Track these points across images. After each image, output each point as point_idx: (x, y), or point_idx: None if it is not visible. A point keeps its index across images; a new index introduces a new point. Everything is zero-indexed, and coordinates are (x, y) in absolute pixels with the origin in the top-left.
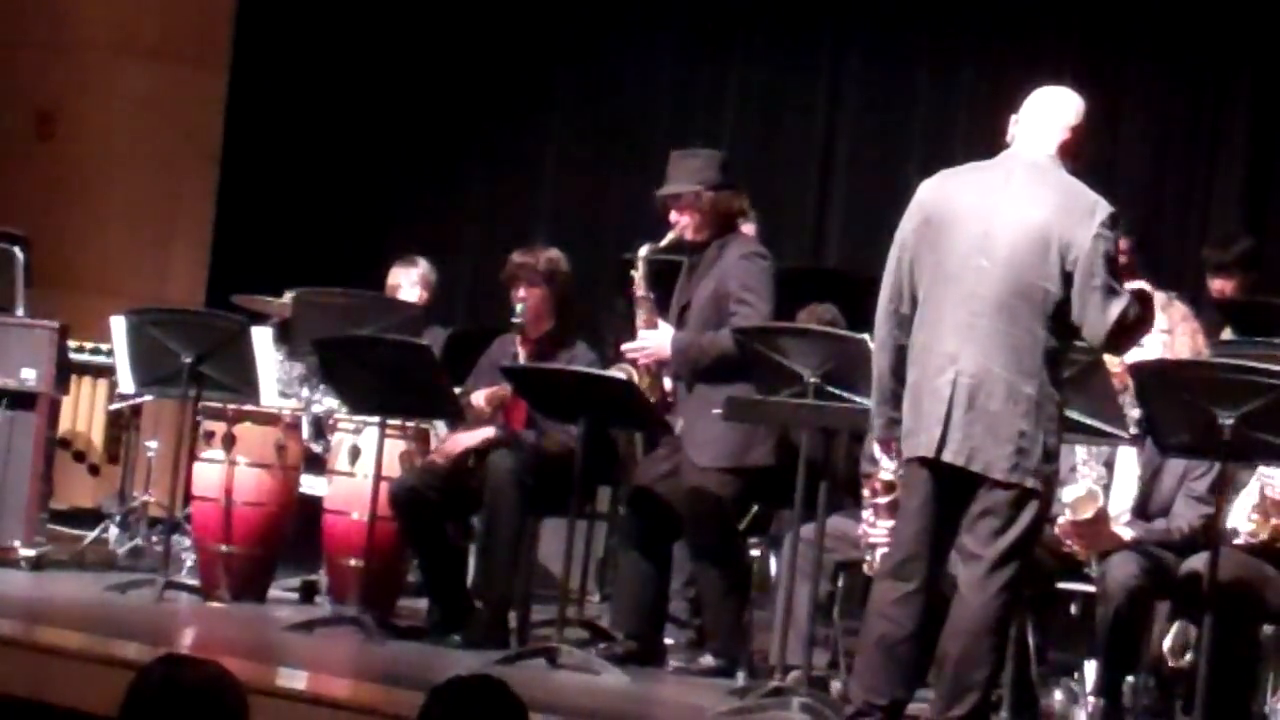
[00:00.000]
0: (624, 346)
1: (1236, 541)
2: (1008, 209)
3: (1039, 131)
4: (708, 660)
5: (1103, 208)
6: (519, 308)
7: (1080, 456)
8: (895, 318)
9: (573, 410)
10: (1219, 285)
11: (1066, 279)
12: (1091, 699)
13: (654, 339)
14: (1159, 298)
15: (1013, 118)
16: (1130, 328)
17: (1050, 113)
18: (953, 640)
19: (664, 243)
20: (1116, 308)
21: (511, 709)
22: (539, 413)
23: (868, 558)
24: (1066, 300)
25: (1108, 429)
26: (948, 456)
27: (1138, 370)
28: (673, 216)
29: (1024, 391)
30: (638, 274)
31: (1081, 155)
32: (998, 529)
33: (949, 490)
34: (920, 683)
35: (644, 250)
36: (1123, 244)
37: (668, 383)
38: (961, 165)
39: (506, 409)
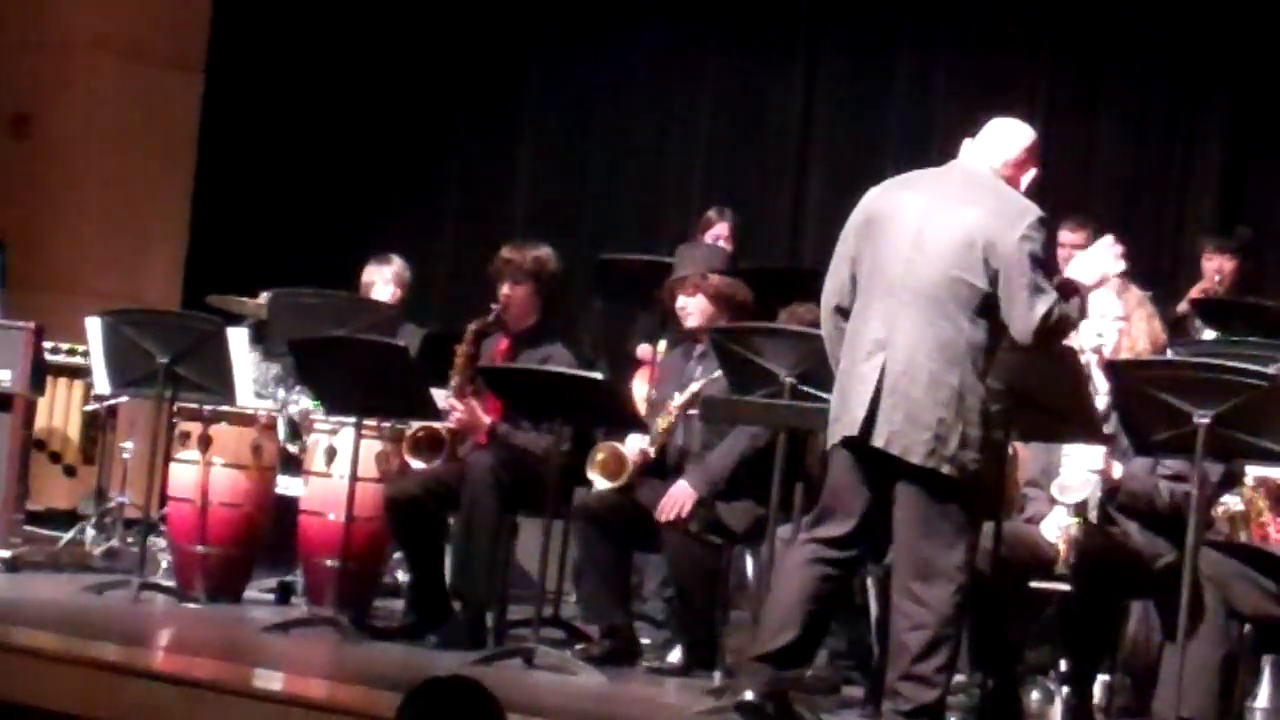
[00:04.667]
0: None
1: (1216, 525)
2: (940, 207)
3: (986, 152)
4: (677, 657)
5: (1032, 211)
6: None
7: (1066, 447)
8: (836, 314)
9: (548, 410)
10: (1217, 264)
11: (992, 277)
12: (1065, 688)
13: (678, 492)
14: (1113, 283)
15: (966, 140)
16: (1056, 326)
17: (1000, 140)
18: (912, 634)
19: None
20: (1042, 306)
21: (488, 709)
22: (515, 412)
23: None
24: (992, 296)
25: (1084, 428)
26: (874, 440)
27: (1112, 369)
28: (680, 302)
29: (947, 381)
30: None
31: (1022, 187)
32: (929, 522)
33: (873, 473)
34: (814, 647)
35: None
36: (1080, 237)
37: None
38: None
39: (485, 398)
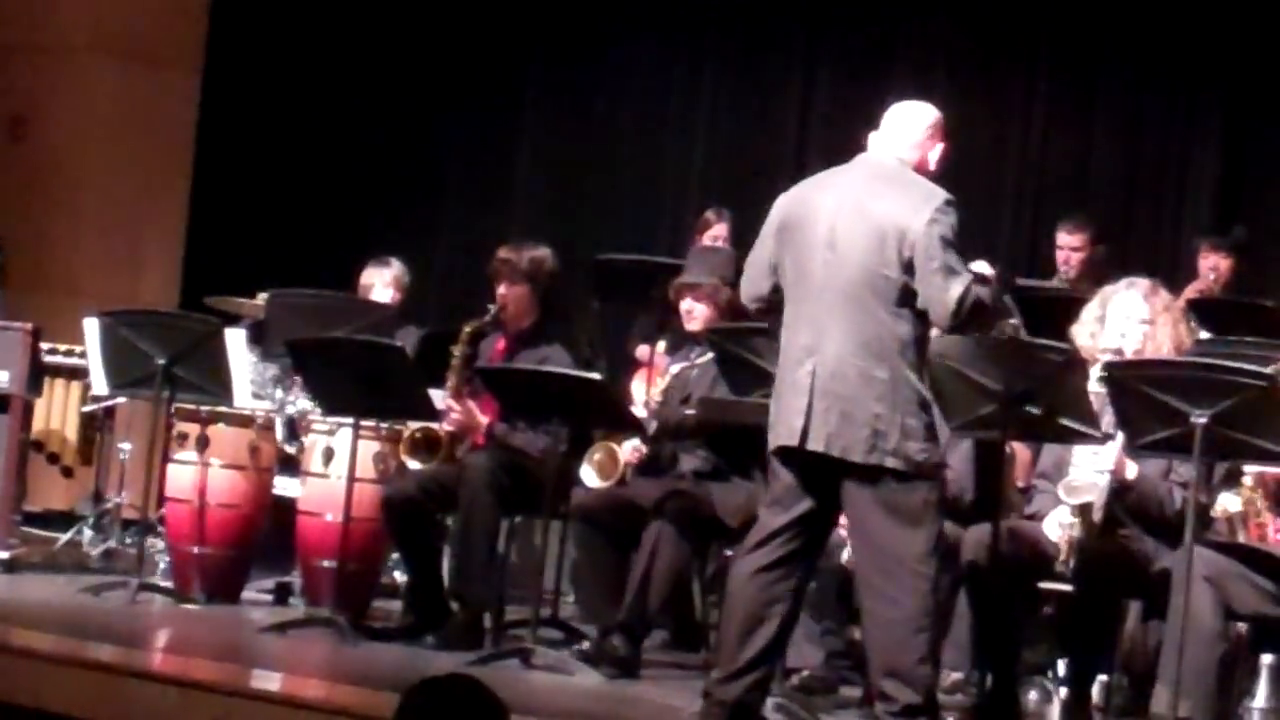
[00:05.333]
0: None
1: (1215, 525)
2: (849, 204)
3: (889, 140)
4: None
5: (938, 195)
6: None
7: (1076, 447)
8: (756, 308)
9: (546, 410)
10: (1213, 262)
11: (907, 266)
12: (1063, 687)
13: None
14: (1143, 284)
15: (871, 134)
16: (975, 308)
17: (901, 125)
18: (884, 632)
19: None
20: (957, 288)
21: (489, 708)
22: (512, 413)
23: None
24: (909, 285)
25: (1080, 428)
26: (811, 445)
27: (1110, 370)
28: (685, 305)
29: (877, 376)
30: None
31: (932, 165)
32: (884, 519)
33: (815, 478)
34: (777, 655)
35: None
36: (1078, 239)
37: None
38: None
39: (482, 399)
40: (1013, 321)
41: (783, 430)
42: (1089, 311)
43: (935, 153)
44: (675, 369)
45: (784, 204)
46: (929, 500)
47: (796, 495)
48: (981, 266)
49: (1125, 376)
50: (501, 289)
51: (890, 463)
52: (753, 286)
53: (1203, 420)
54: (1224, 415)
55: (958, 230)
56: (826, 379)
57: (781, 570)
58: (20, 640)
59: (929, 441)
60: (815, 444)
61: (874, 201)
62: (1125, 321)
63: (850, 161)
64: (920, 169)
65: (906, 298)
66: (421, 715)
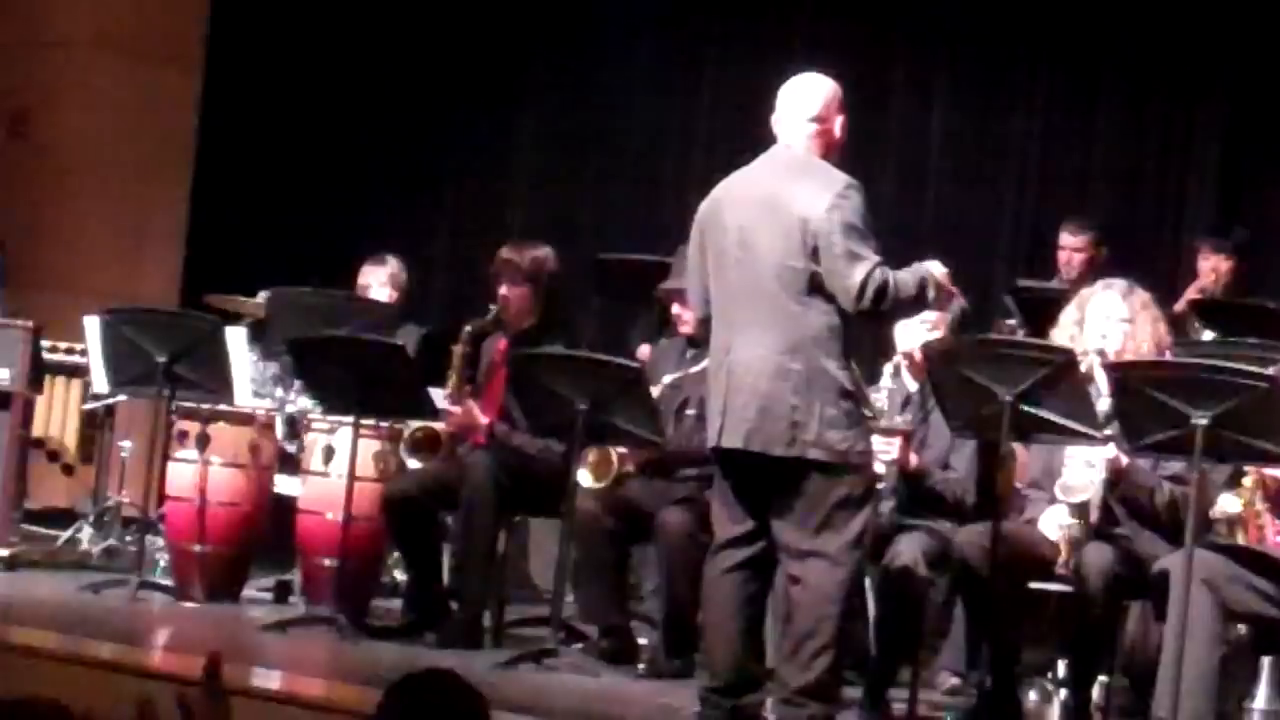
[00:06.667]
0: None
1: (1214, 527)
2: (755, 200)
3: (788, 122)
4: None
5: (838, 179)
6: (494, 306)
7: (1069, 449)
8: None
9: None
10: (1213, 263)
11: (813, 254)
12: (1063, 689)
13: None
14: (1119, 284)
15: (773, 119)
16: (880, 291)
17: (795, 104)
18: (795, 617)
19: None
20: (860, 272)
21: (468, 702)
22: (531, 422)
23: None
24: (818, 273)
25: (1079, 428)
26: (729, 442)
27: (1111, 369)
28: (675, 309)
29: (791, 368)
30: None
31: (835, 138)
32: (806, 508)
33: (743, 473)
34: (760, 653)
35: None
36: (1081, 240)
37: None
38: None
39: (482, 399)
40: (1010, 322)
41: (709, 431)
42: (1067, 315)
43: (839, 123)
44: (668, 379)
45: (701, 214)
46: (853, 493)
47: (741, 503)
48: (935, 266)
49: (1126, 376)
50: (503, 289)
51: (813, 454)
52: (705, 305)
53: (1203, 422)
54: (1225, 417)
55: (863, 212)
56: (742, 375)
57: (749, 571)
58: (21, 638)
59: (851, 429)
60: (735, 440)
61: (777, 194)
62: (1105, 322)
63: (761, 155)
64: (828, 144)
65: (816, 287)
66: (403, 710)
